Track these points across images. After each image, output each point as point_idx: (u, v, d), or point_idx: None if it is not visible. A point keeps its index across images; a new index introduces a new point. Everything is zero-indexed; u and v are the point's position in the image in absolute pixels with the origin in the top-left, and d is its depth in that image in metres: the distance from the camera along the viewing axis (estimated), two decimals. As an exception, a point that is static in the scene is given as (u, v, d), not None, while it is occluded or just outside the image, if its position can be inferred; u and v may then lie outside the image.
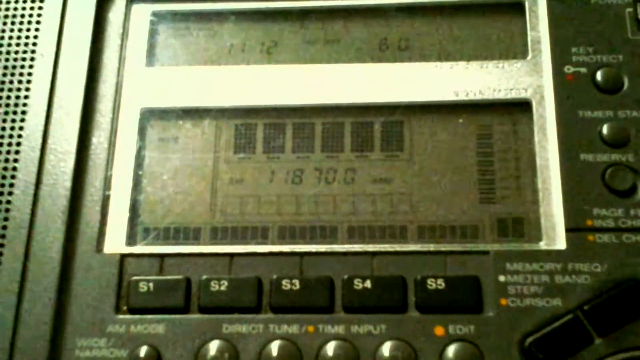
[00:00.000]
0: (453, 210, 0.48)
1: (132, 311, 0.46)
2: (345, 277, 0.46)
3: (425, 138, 0.50)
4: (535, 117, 0.49)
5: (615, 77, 0.49)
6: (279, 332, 0.45)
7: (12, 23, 0.53)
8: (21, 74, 0.51)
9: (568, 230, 0.46)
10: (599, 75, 0.49)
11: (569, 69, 0.49)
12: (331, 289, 0.46)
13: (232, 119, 0.52)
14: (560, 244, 0.46)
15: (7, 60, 0.52)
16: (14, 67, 0.52)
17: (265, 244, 0.48)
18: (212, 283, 0.46)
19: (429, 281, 0.45)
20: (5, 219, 0.48)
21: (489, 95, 0.50)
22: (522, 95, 0.50)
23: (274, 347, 0.45)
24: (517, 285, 0.45)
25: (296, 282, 0.46)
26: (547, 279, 0.45)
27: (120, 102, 0.52)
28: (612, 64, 0.49)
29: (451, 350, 0.44)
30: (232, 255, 0.47)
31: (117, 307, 0.46)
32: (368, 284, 0.46)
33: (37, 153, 0.49)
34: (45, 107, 0.51)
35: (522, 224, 0.48)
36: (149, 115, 0.52)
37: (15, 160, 0.49)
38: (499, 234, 0.47)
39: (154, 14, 0.55)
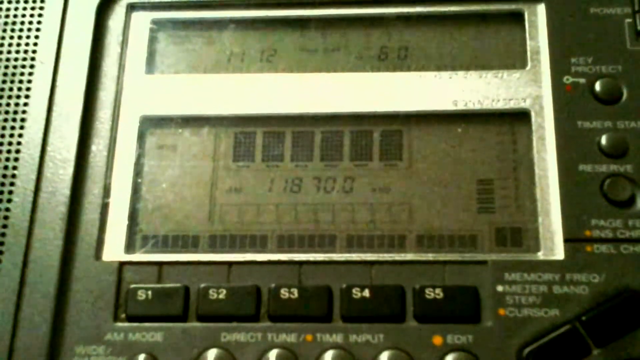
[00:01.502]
0: (451, 220, 0.48)
1: (130, 319, 0.46)
2: (344, 286, 0.46)
3: (424, 147, 0.50)
4: (534, 128, 0.49)
5: (614, 88, 0.49)
6: (277, 340, 0.45)
7: (12, 30, 0.53)
8: (21, 81, 0.51)
9: (566, 240, 0.46)
10: (597, 86, 0.49)
11: (568, 80, 0.50)
12: (329, 298, 0.46)
13: (232, 127, 0.52)
14: (559, 254, 0.46)
15: (6, 67, 0.52)
16: (13, 74, 0.52)
17: (264, 252, 0.48)
18: (210, 291, 0.46)
19: (427, 291, 0.45)
20: (4, 226, 0.48)
21: (487, 105, 0.50)
22: (521, 105, 0.50)
23: (272, 355, 0.44)
24: (515, 296, 0.45)
25: (295, 291, 0.46)
26: (545, 289, 0.45)
27: (120, 110, 0.52)
28: (611, 74, 0.49)
29: (449, 360, 0.44)
30: (230, 264, 0.47)
31: (115, 314, 0.46)
32: (366, 293, 0.46)
33: (36, 160, 0.49)
34: (44, 115, 0.51)
35: (520, 234, 0.48)
36: (149, 123, 0.52)
37: (15, 168, 0.49)
38: (497, 243, 0.47)
39: (154, 21, 0.55)
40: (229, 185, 0.50)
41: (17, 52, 0.52)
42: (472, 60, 0.52)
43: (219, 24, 0.55)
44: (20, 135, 0.50)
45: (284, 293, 0.46)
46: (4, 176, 0.49)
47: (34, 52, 0.52)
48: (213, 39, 0.54)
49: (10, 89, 0.51)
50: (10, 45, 0.53)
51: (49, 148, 0.50)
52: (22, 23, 0.53)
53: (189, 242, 0.49)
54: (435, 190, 0.49)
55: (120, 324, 0.46)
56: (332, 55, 0.53)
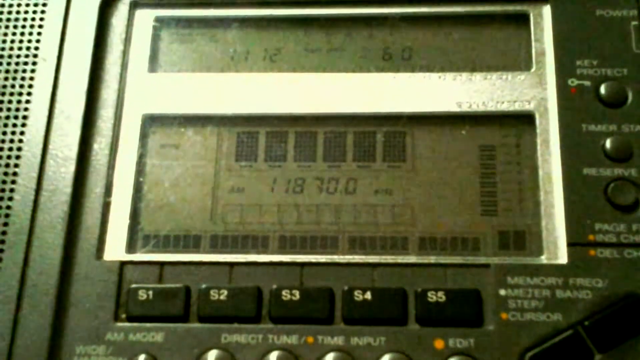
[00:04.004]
0: (454, 222, 0.48)
1: (131, 319, 0.46)
2: (346, 288, 0.46)
3: (428, 149, 0.50)
4: (538, 130, 0.49)
5: (619, 91, 0.49)
6: (278, 342, 0.45)
7: (15, 27, 0.53)
8: (23, 79, 0.51)
9: (570, 244, 0.46)
10: (603, 89, 0.49)
11: (573, 82, 0.49)
12: (331, 300, 0.46)
13: (234, 126, 0.51)
14: (562, 258, 0.46)
15: (8, 64, 0.52)
16: (15, 71, 0.51)
17: (266, 253, 0.48)
18: (211, 292, 0.46)
19: (429, 294, 0.45)
20: (5, 224, 0.48)
21: (492, 107, 0.50)
22: (526, 107, 0.50)
23: (273, 357, 0.44)
24: (517, 300, 0.45)
25: (296, 292, 0.46)
26: (548, 293, 0.45)
27: (122, 108, 0.51)
28: (616, 77, 0.49)
29: (451, 363, 0.44)
30: (232, 265, 0.47)
31: (116, 314, 0.46)
32: (368, 295, 0.45)
33: (38, 158, 0.49)
34: (46, 113, 0.50)
35: (523, 238, 0.47)
36: (151, 122, 0.52)
37: (16, 166, 0.49)
38: (500, 247, 0.47)
39: (157, 19, 0.54)
40: (231, 185, 0.50)
41: (20, 49, 0.52)
42: (477, 61, 0.52)
43: (223, 23, 0.54)
44: (22, 133, 0.50)
45: (285, 294, 0.46)
46: (5, 174, 0.49)
47: (36, 49, 0.52)
48: (216, 38, 0.54)
49: (12, 87, 0.51)
50: (12, 42, 0.52)
51: (50, 146, 0.50)
52: (25, 20, 0.53)
53: (191, 242, 0.49)
54: (438, 192, 0.49)
55: (120, 324, 0.46)
56: (335, 55, 0.53)
